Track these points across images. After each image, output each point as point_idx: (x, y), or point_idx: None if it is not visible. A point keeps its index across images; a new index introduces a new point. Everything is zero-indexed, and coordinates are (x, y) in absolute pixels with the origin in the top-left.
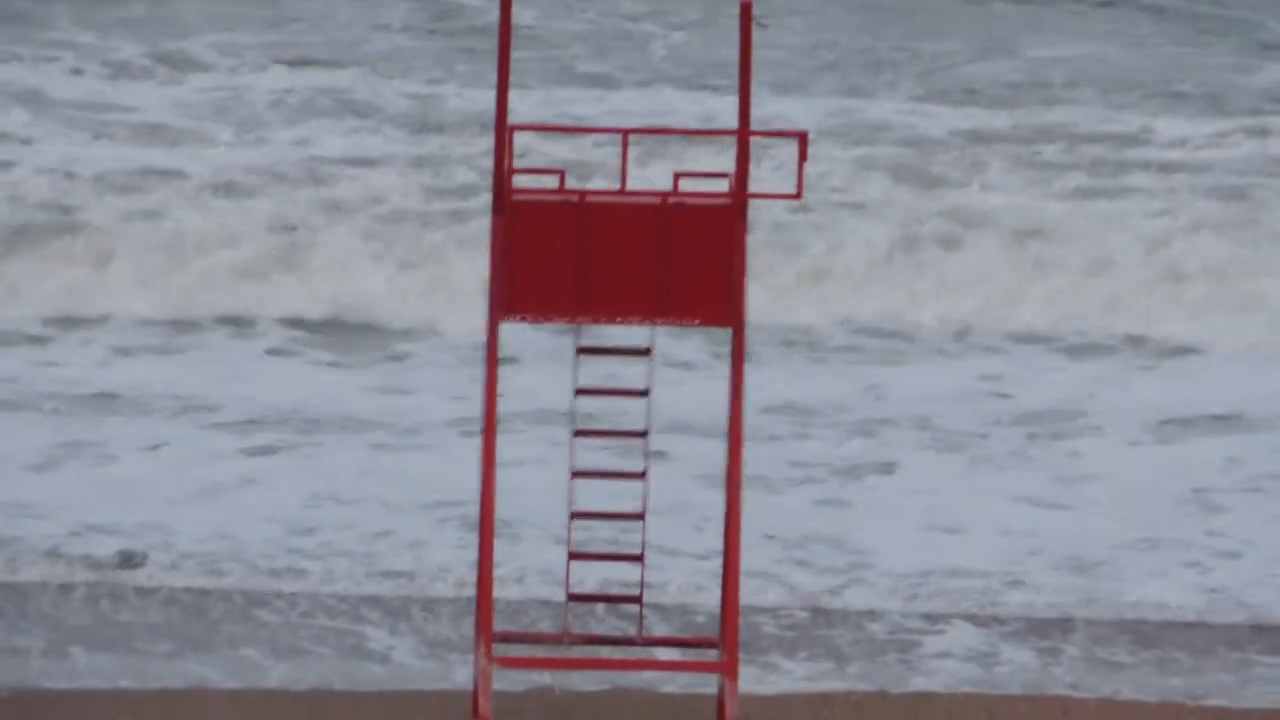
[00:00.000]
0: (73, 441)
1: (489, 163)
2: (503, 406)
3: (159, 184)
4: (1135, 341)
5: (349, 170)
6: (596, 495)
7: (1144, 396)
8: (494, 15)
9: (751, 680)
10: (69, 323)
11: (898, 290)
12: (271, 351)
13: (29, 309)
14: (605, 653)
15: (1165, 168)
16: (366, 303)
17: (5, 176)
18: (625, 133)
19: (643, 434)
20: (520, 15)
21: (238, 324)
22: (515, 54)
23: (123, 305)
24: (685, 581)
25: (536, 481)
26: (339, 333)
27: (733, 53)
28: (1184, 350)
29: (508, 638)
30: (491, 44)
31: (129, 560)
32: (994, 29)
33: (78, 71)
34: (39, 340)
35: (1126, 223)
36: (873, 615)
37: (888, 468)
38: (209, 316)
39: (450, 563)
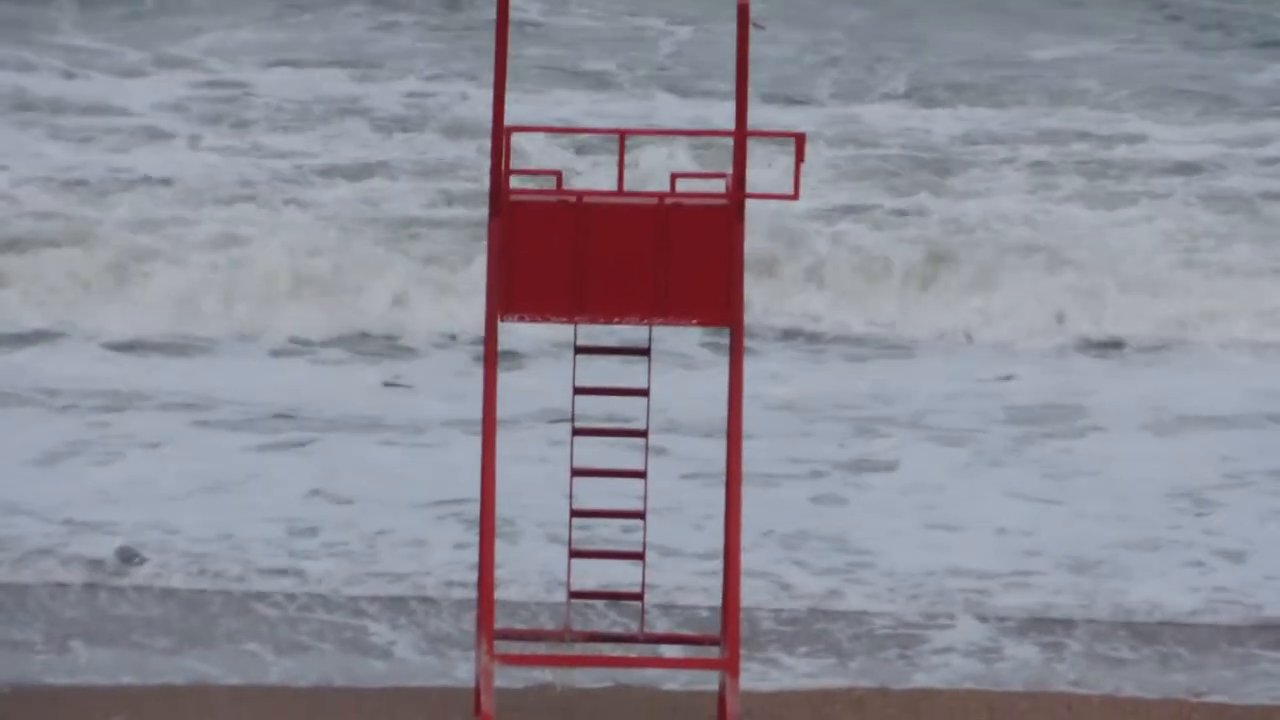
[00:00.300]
0: (74, 440)
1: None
2: (511, 407)
3: (158, 189)
4: (1135, 341)
5: (347, 174)
6: (596, 496)
7: (1144, 395)
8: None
9: (753, 677)
10: (70, 325)
11: (897, 293)
12: (274, 352)
13: (29, 311)
14: (607, 650)
15: (1167, 168)
16: (368, 304)
17: (4, 180)
18: (622, 133)
19: (643, 433)
20: (524, 12)
21: (240, 326)
22: (513, 51)
23: (123, 308)
24: (686, 581)
25: (536, 479)
26: (341, 333)
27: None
28: (1184, 349)
29: (509, 635)
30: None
31: (129, 558)
32: (995, 27)
33: (74, 76)
34: (40, 339)
35: (1127, 223)
36: (873, 612)
37: (889, 465)
38: (211, 319)
39: (452, 559)
